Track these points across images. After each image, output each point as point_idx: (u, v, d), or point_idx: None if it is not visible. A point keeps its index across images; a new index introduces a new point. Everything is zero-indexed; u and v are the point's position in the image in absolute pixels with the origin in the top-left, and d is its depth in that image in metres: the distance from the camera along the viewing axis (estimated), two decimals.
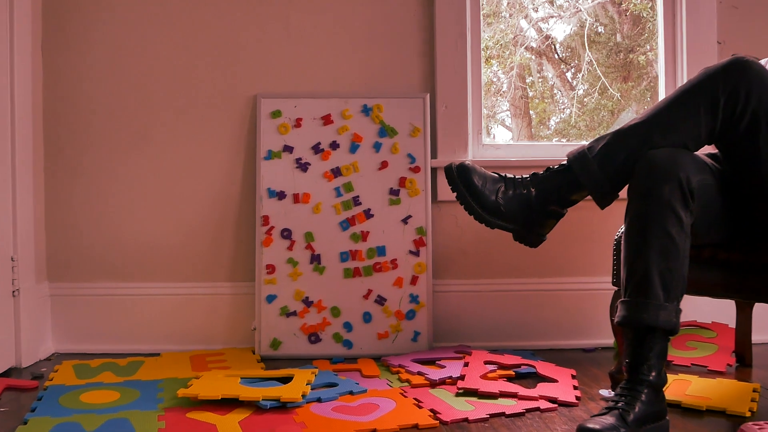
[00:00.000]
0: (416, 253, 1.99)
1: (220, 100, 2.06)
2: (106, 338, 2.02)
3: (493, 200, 1.41)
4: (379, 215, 2.00)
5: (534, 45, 4.04)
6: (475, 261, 2.08)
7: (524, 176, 1.45)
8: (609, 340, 2.04)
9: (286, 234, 1.99)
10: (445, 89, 2.06)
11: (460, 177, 1.41)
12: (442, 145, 2.06)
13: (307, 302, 1.98)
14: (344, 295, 1.98)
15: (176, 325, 2.03)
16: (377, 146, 2.02)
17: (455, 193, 1.43)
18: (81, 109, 2.05)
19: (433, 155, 2.06)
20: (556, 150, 2.16)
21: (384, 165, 2.01)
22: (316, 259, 1.99)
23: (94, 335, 2.02)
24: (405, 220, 2.00)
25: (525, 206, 1.41)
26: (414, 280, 1.99)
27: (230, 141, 2.06)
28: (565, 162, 1.41)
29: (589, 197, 1.41)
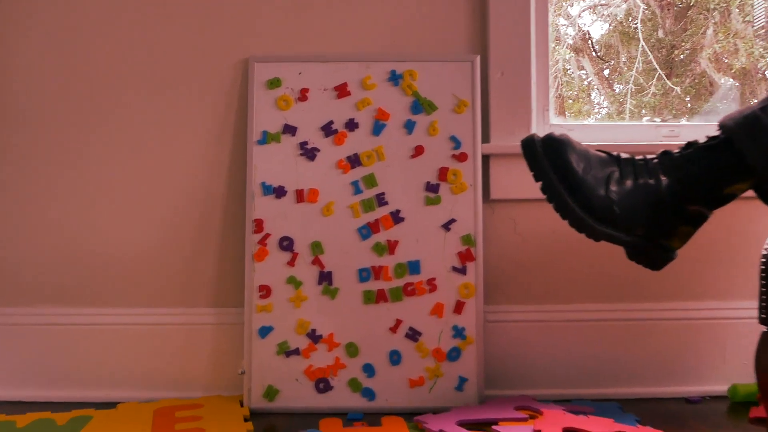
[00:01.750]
0: (461, 271, 1.46)
1: (200, 68, 1.55)
2: (43, 382, 1.52)
3: (601, 195, 0.89)
4: (412, 219, 1.47)
5: (570, 42, 3.54)
6: (541, 280, 1.54)
7: (648, 157, 0.91)
8: (719, 386, 1.50)
9: (287, 244, 1.47)
10: (502, 49, 1.53)
11: (550, 155, 0.89)
12: (497, 124, 1.53)
13: (314, 337, 1.46)
14: (364, 327, 1.46)
15: (139, 365, 1.52)
16: (409, 126, 1.49)
17: (540, 183, 0.91)
18: (14, 90, 1.55)
19: (485, 138, 1.52)
20: (653, 133, 1.61)
21: (418, 151, 1.49)
22: (326, 278, 1.46)
23: (26, 378, 1.52)
24: (446, 226, 1.47)
25: (652, 205, 0.88)
26: (459, 307, 1.46)
27: (213, 121, 1.55)
28: (717, 133, 0.87)
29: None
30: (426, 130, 1.49)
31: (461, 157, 1.48)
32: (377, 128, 1.49)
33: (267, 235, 1.47)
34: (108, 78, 1.55)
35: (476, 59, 1.51)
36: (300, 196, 1.48)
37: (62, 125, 1.55)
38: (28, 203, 1.54)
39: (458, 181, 1.48)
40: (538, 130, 1.56)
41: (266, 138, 1.50)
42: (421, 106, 1.50)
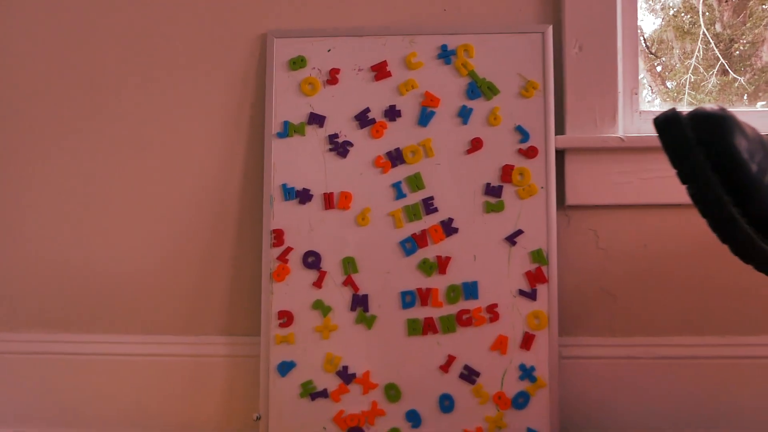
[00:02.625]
0: (530, 295, 1.16)
1: (208, 47, 1.28)
2: (28, 422, 1.27)
3: None
4: (468, 230, 1.18)
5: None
6: (629, 308, 1.23)
7: None
8: None
9: (312, 261, 1.19)
10: (580, 18, 1.22)
11: (707, 142, 0.58)
12: (574, 110, 1.22)
13: (346, 376, 1.17)
14: (408, 364, 1.17)
15: (140, 403, 1.26)
16: (465, 114, 1.20)
17: (689, 185, 0.60)
18: None
19: (559, 129, 1.22)
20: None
21: (476, 145, 1.19)
22: (360, 302, 1.18)
23: (7, 416, 1.27)
24: (511, 239, 1.17)
25: None
26: (527, 341, 1.16)
27: (224, 112, 1.28)
28: None
29: None
30: (485, 118, 1.20)
31: (530, 153, 1.18)
32: (424, 117, 1.20)
33: (288, 249, 1.20)
34: (102, 63, 1.30)
35: (548, 30, 1.20)
36: (329, 201, 1.20)
37: (44, 116, 1.30)
38: (13, 216, 1.30)
39: (526, 182, 1.18)
40: (626, 117, 1.25)
41: (288, 130, 1.22)
42: (479, 89, 1.20)
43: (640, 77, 1.24)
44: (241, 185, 1.27)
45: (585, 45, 1.22)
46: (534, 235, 1.17)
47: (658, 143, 0.65)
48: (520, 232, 1.17)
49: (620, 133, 1.22)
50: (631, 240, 1.22)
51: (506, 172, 1.18)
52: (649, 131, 1.24)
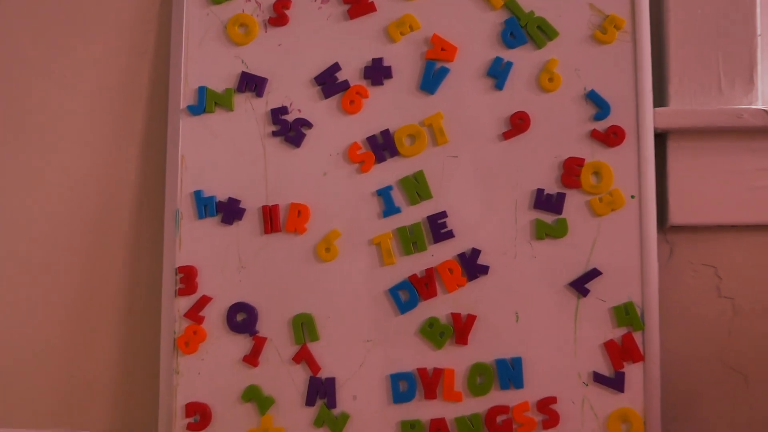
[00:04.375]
0: (614, 382, 0.67)
1: None
2: None
3: None
4: (506, 268, 0.69)
5: None
6: None
7: None
8: None
9: (243, 320, 0.71)
10: None
11: None
12: (682, 67, 0.72)
13: None
14: None
15: None
16: (499, 72, 0.71)
17: None
18: None
19: (658, 98, 0.72)
20: None
21: (519, 125, 0.70)
22: (322, 390, 0.70)
23: None
24: (581, 285, 0.68)
25: None
26: None
27: (108, 77, 0.79)
28: None
29: None
30: (534, 80, 0.71)
31: (611, 137, 0.69)
32: (431, 78, 0.71)
33: (204, 300, 0.71)
34: None
35: None
36: (271, 219, 0.72)
37: None
38: None
39: (605, 187, 0.69)
40: (766, 78, 0.75)
41: (205, 102, 0.73)
42: (522, 30, 0.71)
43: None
44: (131, 196, 0.78)
45: None
46: (620, 279, 0.68)
47: None
48: (595, 273, 0.68)
49: (760, 104, 0.72)
50: None
51: (571, 171, 0.69)
52: None
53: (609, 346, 0.68)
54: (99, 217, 0.78)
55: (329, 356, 0.70)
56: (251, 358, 0.71)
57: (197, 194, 0.73)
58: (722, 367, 0.73)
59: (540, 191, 0.69)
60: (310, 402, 0.70)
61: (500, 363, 0.68)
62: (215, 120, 0.74)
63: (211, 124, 0.73)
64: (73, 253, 0.78)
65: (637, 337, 0.68)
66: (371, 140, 0.71)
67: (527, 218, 0.69)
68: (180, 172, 0.73)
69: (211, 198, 0.72)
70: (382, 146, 0.71)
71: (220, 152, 0.73)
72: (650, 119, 0.69)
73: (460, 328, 0.69)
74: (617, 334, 0.68)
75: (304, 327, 0.70)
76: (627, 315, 0.68)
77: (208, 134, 0.73)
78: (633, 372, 0.67)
